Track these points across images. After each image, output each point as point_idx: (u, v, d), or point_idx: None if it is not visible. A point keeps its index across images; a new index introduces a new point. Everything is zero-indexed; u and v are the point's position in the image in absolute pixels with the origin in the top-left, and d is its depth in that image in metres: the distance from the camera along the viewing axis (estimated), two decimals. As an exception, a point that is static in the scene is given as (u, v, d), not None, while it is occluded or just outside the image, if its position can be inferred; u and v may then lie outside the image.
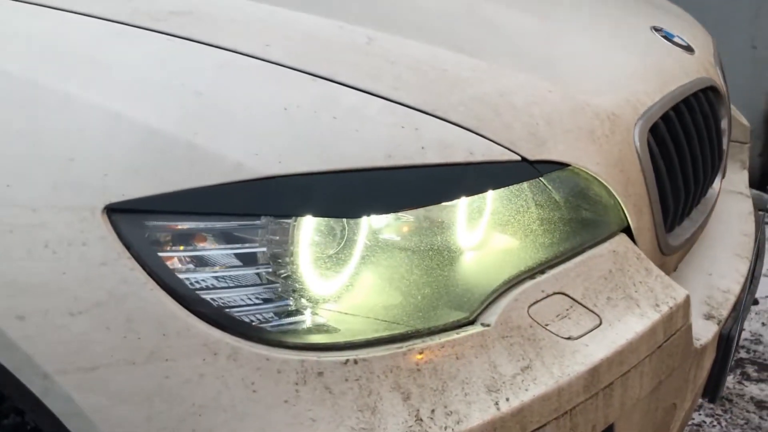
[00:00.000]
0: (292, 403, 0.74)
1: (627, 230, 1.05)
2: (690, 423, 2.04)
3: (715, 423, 2.04)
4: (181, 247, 0.77)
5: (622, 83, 1.13)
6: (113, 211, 0.77)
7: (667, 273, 1.21)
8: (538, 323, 0.89)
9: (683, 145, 1.17)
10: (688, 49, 1.38)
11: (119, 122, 0.81)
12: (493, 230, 0.89)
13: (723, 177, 1.47)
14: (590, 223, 1.00)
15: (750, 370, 2.28)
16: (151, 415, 0.74)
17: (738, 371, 2.28)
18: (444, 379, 0.80)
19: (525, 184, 0.92)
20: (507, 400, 0.81)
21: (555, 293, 0.92)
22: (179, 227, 0.77)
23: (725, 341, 1.23)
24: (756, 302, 2.78)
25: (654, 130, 1.11)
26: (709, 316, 1.23)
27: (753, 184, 3.53)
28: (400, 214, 0.83)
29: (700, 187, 1.26)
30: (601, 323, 0.94)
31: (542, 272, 0.93)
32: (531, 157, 0.93)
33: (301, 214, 0.77)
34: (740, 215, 1.62)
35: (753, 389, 2.19)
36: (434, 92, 0.95)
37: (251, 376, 0.74)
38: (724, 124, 1.38)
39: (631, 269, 1.01)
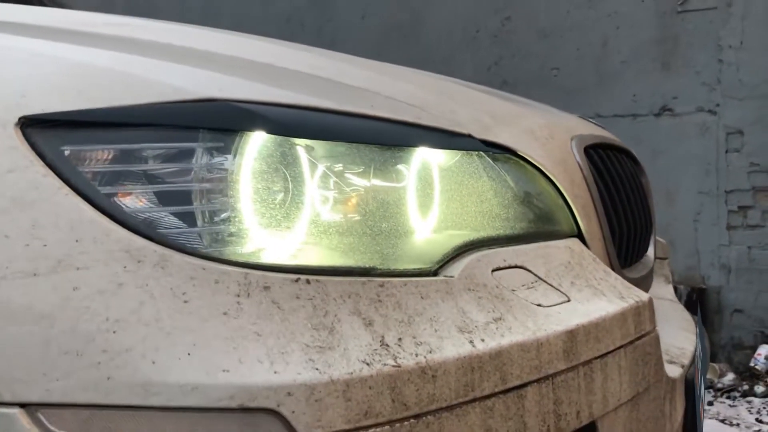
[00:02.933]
0: (232, 316, 0.61)
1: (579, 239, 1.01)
2: None
3: None
4: (106, 160, 0.67)
5: (554, 119, 1.16)
6: (29, 124, 0.67)
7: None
8: (504, 286, 0.80)
9: (615, 178, 1.18)
10: (603, 128, 1.45)
11: (41, 56, 0.75)
12: (448, 187, 0.83)
13: (654, 252, 1.47)
14: (543, 213, 0.95)
15: None
16: (50, 336, 0.58)
17: None
18: (409, 313, 0.69)
19: (474, 155, 0.88)
20: (482, 340, 0.70)
21: (516, 266, 0.85)
22: (104, 141, 0.68)
23: (692, 389, 1.15)
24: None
25: (588, 156, 1.12)
26: (671, 362, 1.15)
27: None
28: (354, 157, 0.77)
29: (639, 235, 1.25)
30: (569, 300, 0.86)
31: (500, 245, 0.86)
32: (478, 136, 0.91)
33: (242, 129, 0.70)
34: (676, 310, 1.61)
35: None
36: (375, 81, 0.94)
37: (182, 286, 0.61)
38: (647, 191, 1.41)
39: (589, 267, 0.95)
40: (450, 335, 0.69)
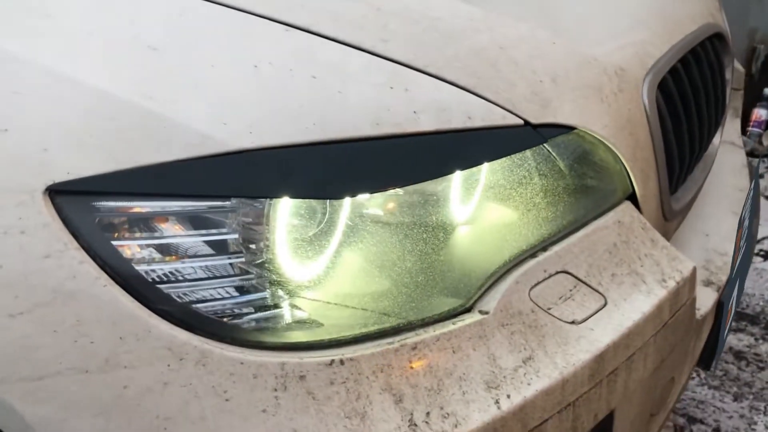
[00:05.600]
0: (271, 413, 0.65)
1: (632, 197, 0.96)
2: (669, 374, 2.02)
3: (694, 375, 2.03)
4: (138, 234, 0.66)
5: (629, 33, 1.03)
6: (57, 192, 0.65)
7: (669, 238, 1.14)
8: (540, 307, 0.81)
9: (690, 101, 1.08)
10: (695, -7, 1.27)
11: (61, 83, 0.69)
12: (492, 206, 0.80)
13: (722, 127, 1.39)
14: (595, 192, 0.91)
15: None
16: (108, 429, 0.65)
17: (717, 320, 2.26)
18: (440, 376, 0.72)
19: (528, 152, 0.82)
20: (508, 397, 0.74)
21: (558, 272, 0.84)
22: (135, 210, 0.66)
23: (721, 307, 1.18)
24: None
25: (662, 85, 1.01)
26: (708, 283, 1.16)
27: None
28: (393, 203, 0.73)
29: (704, 143, 1.17)
30: (606, 304, 0.86)
31: (544, 249, 0.84)
32: (535, 120, 0.83)
33: (277, 196, 0.67)
34: (734, 168, 1.55)
35: (732, 340, 2.18)
36: (426, 45, 0.84)
37: (223, 384, 0.65)
38: (728, 73, 1.28)
39: (636, 241, 0.93)
40: (477, 396, 0.72)
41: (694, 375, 2.03)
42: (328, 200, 0.70)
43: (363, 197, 0.72)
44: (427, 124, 0.76)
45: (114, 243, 0.66)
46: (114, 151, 0.66)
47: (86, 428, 0.65)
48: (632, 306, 0.87)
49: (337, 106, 0.73)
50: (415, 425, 0.69)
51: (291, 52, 0.77)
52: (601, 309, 0.85)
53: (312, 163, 0.68)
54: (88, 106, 0.68)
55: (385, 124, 0.74)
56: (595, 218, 0.90)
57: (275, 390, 0.66)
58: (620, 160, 0.91)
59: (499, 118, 0.81)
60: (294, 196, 0.67)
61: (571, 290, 0.84)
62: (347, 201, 0.71)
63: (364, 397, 0.68)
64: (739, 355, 2.11)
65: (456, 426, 0.70)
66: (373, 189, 0.71)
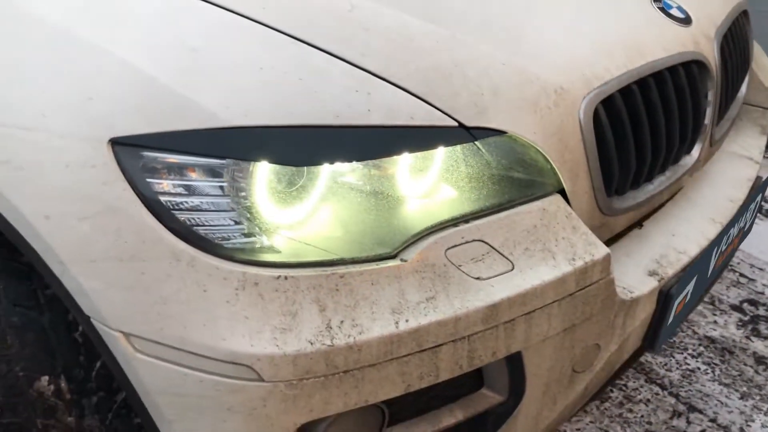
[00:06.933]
0: (232, 304, 0.98)
1: (563, 191, 1.19)
2: (684, 368, 2.17)
3: (708, 371, 2.16)
4: (164, 175, 1.00)
5: (585, 57, 1.24)
6: (116, 143, 1.00)
7: (612, 230, 1.35)
8: (452, 263, 1.07)
9: (642, 118, 1.27)
10: (684, 21, 1.44)
11: (128, 69, 1.03)
12: (423, 184, 1.07)
13: (711, 145, 1.55)
14: (522, 183, 1.15)
15: (762, 327, 2.36)
16: (130, 299, 1.00)
17: (750, 327, 2.36)
18: (357, 299, 1.01)
19: (458, 147, 1.08)
20: (407, 321, 1.02)
21: (474, 240, 1.10)
22: (163, 160, 1.00)
23: (665, 297, 1.37)
24: (793, 262, 2.78)
25: (609, 102, 1.22)
26: (652, 273, 1.36)
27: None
28: (342, 164, 1.03)
29: (661, 158, 1.36)
30: (512, 269, 1.11)
31: (466, 222, 1.10)
32: (469, 123, 1.09)
33: (257, 160, 0.98)
34: (736, 181, 1.69)
35: (758, 345, 2.28)
36: (396, 60, 1.11)
37: (203, 280, 0.98)
38: (710, 96, 1.45)
39: (557, 226, 1.16)
40: (382, 317, 1.01)
41: (709, 371, 2.16)
42: (293, 166, 1.00)
43: (320, 167, 1.02)
44: (376, 119, 1.04)
45: (147, 179, 1.00)
46: (154, 119, 1.00)
47: (117, 297, 1.00)
48: (536, 274, 1.12)
49: (311, 102, 1.03)
50: (331, 328, 0.99)
51: (290, 59, 1.08)
52: (506, 272, 1.10)
53: (286, 139, 0.99)
54: (141, 88, 1.02)
55: (343, 117, 1.03)
56: (521, 204, 1.15)
57: (236, 289, 0.98)
58: (549, 160, 1.15)
59: (437, 120, 1.07)
60: (270, 161, 0.99)
61: (483, 255, 1.10)
62: (308, 169, 1.01)
63: (297, 303, 0.99)
64: (760, 360, 2.21)
65: (361, 333, 0.99)
66: (330, 161, 1.00)
